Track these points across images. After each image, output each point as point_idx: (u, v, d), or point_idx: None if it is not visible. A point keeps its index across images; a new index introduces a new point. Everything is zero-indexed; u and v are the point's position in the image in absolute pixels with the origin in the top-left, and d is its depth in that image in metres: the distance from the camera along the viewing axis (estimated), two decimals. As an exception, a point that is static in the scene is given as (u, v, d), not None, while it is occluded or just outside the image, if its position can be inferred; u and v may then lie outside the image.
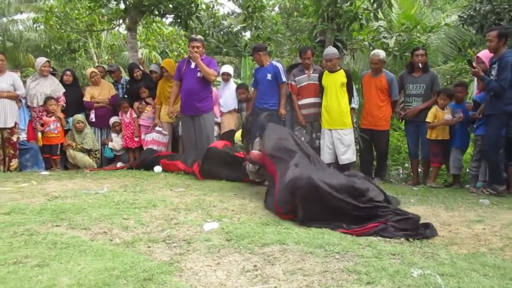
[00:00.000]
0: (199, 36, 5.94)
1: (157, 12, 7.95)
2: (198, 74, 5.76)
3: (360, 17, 6.96)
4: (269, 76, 5.88)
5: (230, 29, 8.65)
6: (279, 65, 5.95)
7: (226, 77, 6.55)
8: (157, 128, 6.47)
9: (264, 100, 5.91)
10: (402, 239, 3.03)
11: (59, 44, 13.71)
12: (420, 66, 5.64)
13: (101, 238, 2.96)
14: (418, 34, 7.77)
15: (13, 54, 19.96)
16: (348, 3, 6.81)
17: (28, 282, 2.16)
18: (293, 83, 5.95)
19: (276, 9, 15.11)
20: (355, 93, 5.97)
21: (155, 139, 6.47)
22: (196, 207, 3.84)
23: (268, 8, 10.34)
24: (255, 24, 8.30)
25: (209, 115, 6.03)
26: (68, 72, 6.96)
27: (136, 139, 6.66)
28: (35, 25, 15.93)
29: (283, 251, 2.70)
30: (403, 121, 6.07)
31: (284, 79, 5.88)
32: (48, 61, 6.61)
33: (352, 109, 5.82)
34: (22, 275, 2.25)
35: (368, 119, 5.87)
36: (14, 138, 6.04)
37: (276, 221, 3.42)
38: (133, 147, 6.69)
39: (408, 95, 5.80)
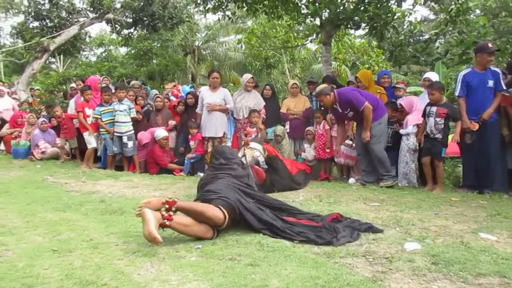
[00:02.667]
0: None
1: (351, 25, 8.01)
2: None
3: None
4: (490, 83, 5.23)
5: (429, 37, 8.12)
6: (498, 70, 5.29)
7: (427, 83, 6.11)
8: (347, 142, 6.43)
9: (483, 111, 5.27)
10: None
11: (257, 61, 15.07)
12: None
13: (302, 246, 3.06)
14: None
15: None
16: None
17: (244, 279, 2.37)
18: (506, 94, 5.23)
19: (477, 11, 13.64)
20: None
21: (344, 152, 6.44)
22: (394, 224, 3.68)
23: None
24: (458, 28, 7.61)
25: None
26: (267, 87, 7.56)
27: (328, 150, 6.77)
28: (238, 45, 17.88)
29: (505, 286, 2.35)
30: None
31: (504, 86, 5.21)
32: (252, 77, 7.29)
33: None
34: (238, 271, 2.48)
35: None
36: (223, 147, 6.83)
37: (489, 248, 3.02)
38: (325, 158, 6.81)
39: None
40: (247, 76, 7.23)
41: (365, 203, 4.55)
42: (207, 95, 6.86)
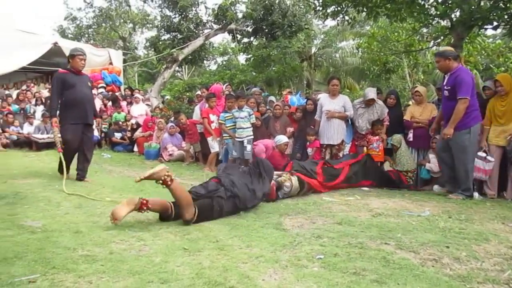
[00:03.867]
0: None
1: (487, 25, 7.28)
2: None
3: None
4: None
5: None
6: None
7: None
8: (479, 154, 5.74)
9: None
10: None
11: (376, 66, 14.53)
12: None
13: (432, 265, 2.83)
14: None
15: (333, 77, 22.58)
16: None
17: (371, 296, 2.27)
18: None
19: None
20: None
21: (476, 165, 5.77)
22: (543, 251, 3.22)
23: None
24: None
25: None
26: (392, 96, 7.18)
27: (456, 162, 6.23)
28: (356, 50, 17.49)
29: None
30: None
31: None
32: (373, 98, 6.78)
33: None
34: (363, 287, 2.38)
35: None
36: (341, 154, 6.70)
37: None
38: (453, 170, 6.28)
39: None
40: (369, 95, 6.80)
41: (503, 223, 4.07)
42: (327, 102, 6.79)
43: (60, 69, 6.08)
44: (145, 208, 3.47)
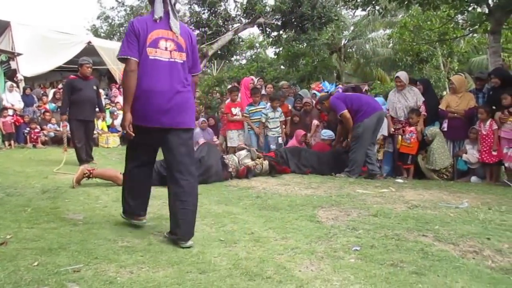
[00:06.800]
0: None
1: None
2: None
3: None
4: None
5: None
6: None
7: None
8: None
9: None
10: None
11: (408, 56, 14.21)
12: None
13: (472, 257, 2.77)
14: None
15: (363, 69, 22.21)
16: None
17: (410, 287, 2.23)
18: None
19: None
20: None
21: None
22: None
23: None
24: None
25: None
26: (417, 83, 7.09)
27: (495, 153, 6.03)
28: (387, 41, 17.11)
29: None
30: None
31: None
32: (397, 76, 6.92)
33: None
34: (402, 279, 2.35)
35: None
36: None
37: None
38: (491, 162, 6.09)
39: None
40: (397, 74, 7.02)
41: (546, 214, 3.93)
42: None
43: (71, 75, 7.46)
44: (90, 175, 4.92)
